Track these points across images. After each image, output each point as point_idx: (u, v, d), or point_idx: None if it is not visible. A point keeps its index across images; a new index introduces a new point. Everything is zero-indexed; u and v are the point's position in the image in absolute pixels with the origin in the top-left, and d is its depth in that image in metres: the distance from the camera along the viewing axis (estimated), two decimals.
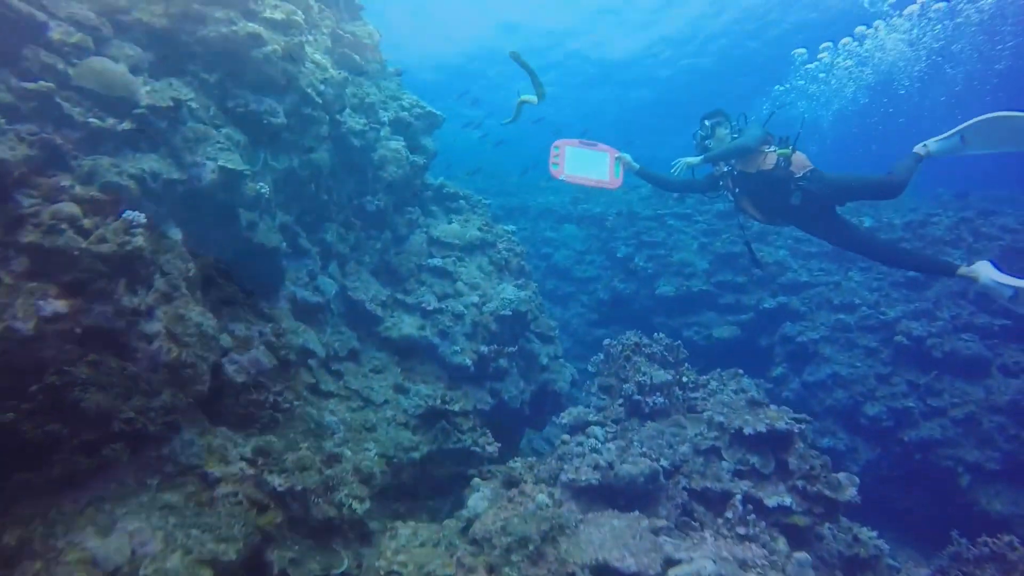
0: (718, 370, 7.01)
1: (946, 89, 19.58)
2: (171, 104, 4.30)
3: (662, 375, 6.49)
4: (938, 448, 10.39)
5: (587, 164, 5.85)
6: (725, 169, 5.74)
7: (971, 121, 5.19)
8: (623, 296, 14.53)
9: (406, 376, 6.96)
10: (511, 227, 9.36)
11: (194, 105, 4.70)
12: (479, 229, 8.68)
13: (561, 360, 8.88)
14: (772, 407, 6.19)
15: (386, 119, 8.02)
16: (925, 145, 5.36)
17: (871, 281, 12.65)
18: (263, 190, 4.88)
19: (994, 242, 12.69)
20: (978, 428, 10.36)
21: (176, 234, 4.40)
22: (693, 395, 6.56)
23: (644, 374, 6.53)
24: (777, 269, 13.38)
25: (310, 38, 6.90)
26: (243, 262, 5.40)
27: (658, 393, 6.40)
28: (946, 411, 10.65)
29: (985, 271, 4.72)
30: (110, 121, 3.88)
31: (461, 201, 9.49)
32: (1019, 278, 4.57)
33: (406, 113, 8.71)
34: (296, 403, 5.58)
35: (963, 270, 4.86)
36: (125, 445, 4.04)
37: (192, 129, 4.64)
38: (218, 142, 4.72)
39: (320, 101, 5.81)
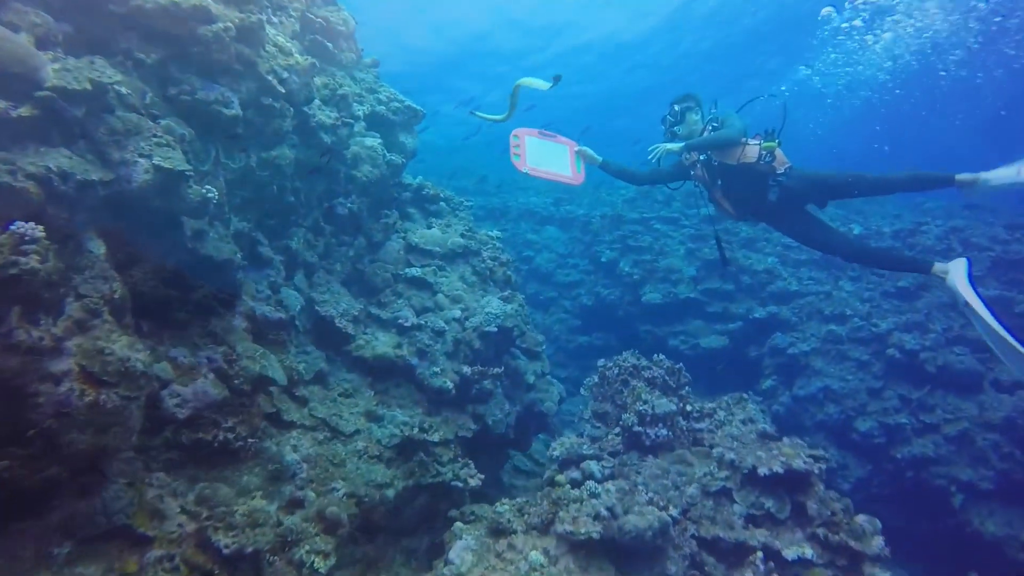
0: (726, 399, 6.33)
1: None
2: (89, 88, 3.41)
3: (665, 404, 5.76)
4: (931, 466, 9.87)
5: (549, 157, 5.42)
6: (700, 159, 5.34)
7: None
8: (607, 302, 13.83)
9: (380, 400, 6.13)
10: (495, 232, 8.54)
11: (124, 90, 3.81)
12: (462, 235, 7.86)
13: (548, 377, 8.12)
14: (785, 441, 5.51)
15: (361, 113, 7.15)
16: (974, 175, 4.58)
17: (862, 291, 12.11)
18: (211, 194, 4.00)
19: (984, 253, 12.27)
20: (971, 446, 9.87)
21: (97, 248, 3.52)
22: (698, 426, 5.85)
23: (645, 403, 5.80)
24: (767, 277, 12.79)
25: (275, 19, 6.02)
26: (190, 277, 4.53)
27: (661, 424, 5.67)
28: (939, 427, 10.14)
29: (956, 272, 4.61)
30: (0, 104, 3.00)
31: (442, 203, 8.65)
32: (978, 296, 4.49)
33: (383, 107, 7.85)
34: (251, 440, 4.74)
35: (937, 268, 4.73)
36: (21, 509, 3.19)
37: (122, 120, 3.75)
38: (155, 136, 3.84)
39: (283, 91, 4.93)
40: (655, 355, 6.69)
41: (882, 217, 14.46)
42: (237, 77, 4.63)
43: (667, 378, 6.39)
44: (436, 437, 5.85)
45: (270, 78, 4.80)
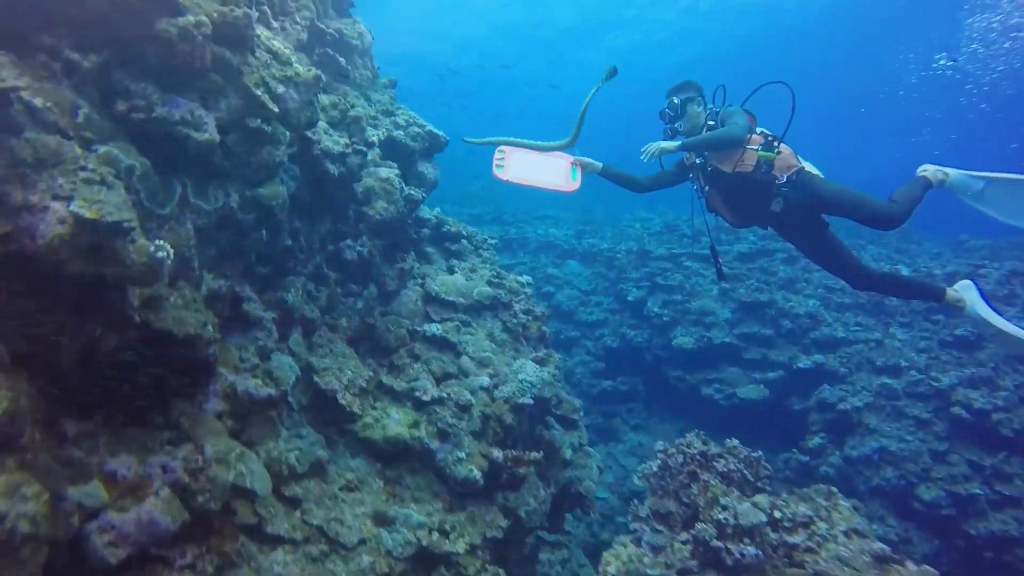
0: (812, 493, 4.97)
1: None
2: None
3: (751, 513, 4.38)
4: (1014, 548, 8.45)
5: (539, 167, 4.89)
6: (697, 161, 4.73)
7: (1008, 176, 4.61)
8: (634, 344, 12.48)
9: (391, 493, 4.77)
10: (525, 277, 7.23)
11: (39, 103, 2.55)
12: (489, 283, 6.55)
13: (587, 449, 6.75)
14: (910, 566, 4.15)
15: (376, 139, 5.90)
16: (944, 172, 4.68)
17: (917, 339, 10.72)
18: (162, 253, 2.72)
19: None
20: None
21: None
22: (793, 540, 4.48)
23: (724, 508, 4.44)
24: (809, 322, 11.42)
25: (275, 24, 4.78)
26: (142, 357, 3.24)
27: (747, 540, 4.31)
28: (1021, 502, 8.73)
29: (971, 298, 4.45)
30: None
31: (464, 241, 7.37)
32: (1004, 318, 4.31)
33: (401, 132, 6.61)
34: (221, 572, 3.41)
35: (951, 295, 4.50)
36: None
37: (32, 145, 2.49)
38: (83, 169, 2.57)
39: (277, 109, 3.66)
40: (727, 440, 5.33)
41: (930, 257, 13.14)
42: (214, 90, 3.35)
43: (745, 471, 5.02)
44: (461, 545, 4.51)
45: (260, 92, 3.53)
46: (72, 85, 2.88)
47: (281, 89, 3.75)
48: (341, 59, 6.22)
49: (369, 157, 5.44)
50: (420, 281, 6.32)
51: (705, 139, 4.52)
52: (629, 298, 12.83)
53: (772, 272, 12.48)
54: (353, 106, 5.57)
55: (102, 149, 2.83)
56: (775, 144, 4.49)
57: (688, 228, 14.51)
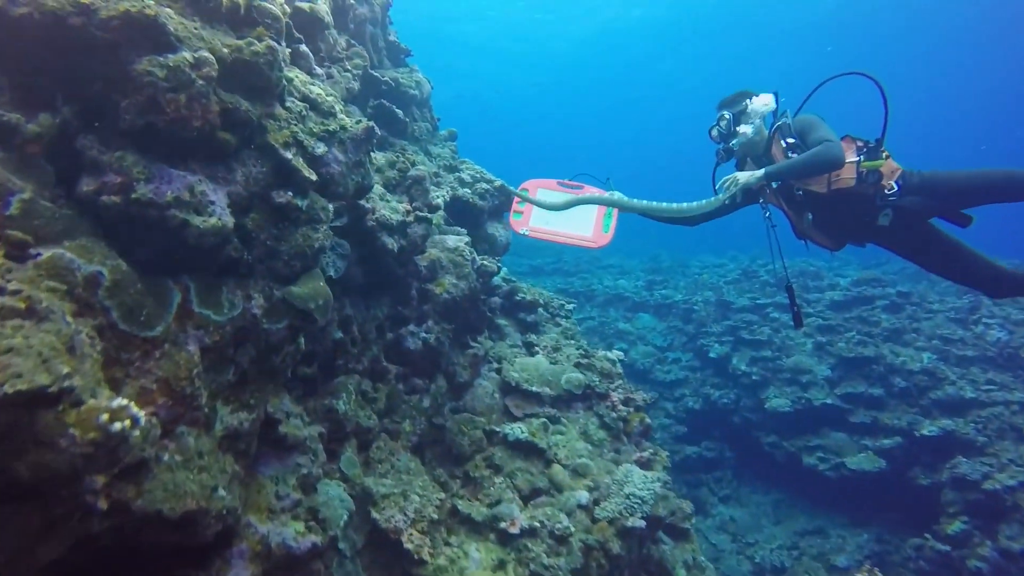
0: None
1: None
2: None
3: None
4: None
5: (564, 213, 3.98)
6: (773, 185, 3.87)
7: None
8: (720, 407, 10.93)
9: None
10: (615, 353, 5.98)
11: None
12: (578, 365, 5.32)
13: (702, 563, 5.32)
14: None
15: (440, 200, 4.85)
16: None
17: None
18: (119, 425, 1.62)
19: None
20: None
21: None
22: None
23: None
24: (928, 380, 9.67)
25: (318, 70, 3.81)
26: (123, 548, 2.14)
27: None
28: None
29: None
30: None
31: (540, 311, 6.19)
32: None
33: (467, 190, 5.56)
34: None
35: None
36: None
37: None
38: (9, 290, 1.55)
39: (315, 176, 2.60)
40: None
41: None
42: (225, 154, 2.32)
43: None
44: None
45: (291, 155, 2.47)
46: (10, 160, 1.86)
47: (321, 148, 2.70)
48: (398, 110, 5.26)
49: (433, 223, 4.37)
50: (496, 366, 5.14)
51: (798, 165, 3.60)
52: (711, 355, 11.34)
53: (874, 322, 10.82)
54: (414, 163, 4.55)
55: (46, 254, 1.79)
56: (879, 149, 3.65)
57: (768, 274, 13.01)
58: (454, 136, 6.69)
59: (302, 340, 2.89)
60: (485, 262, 4.83)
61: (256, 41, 2.30)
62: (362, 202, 3.44)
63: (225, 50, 2.21)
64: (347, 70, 4.41)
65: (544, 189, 4.00)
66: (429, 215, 4.13)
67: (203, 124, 2.13)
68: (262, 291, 2.52)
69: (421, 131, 5.74)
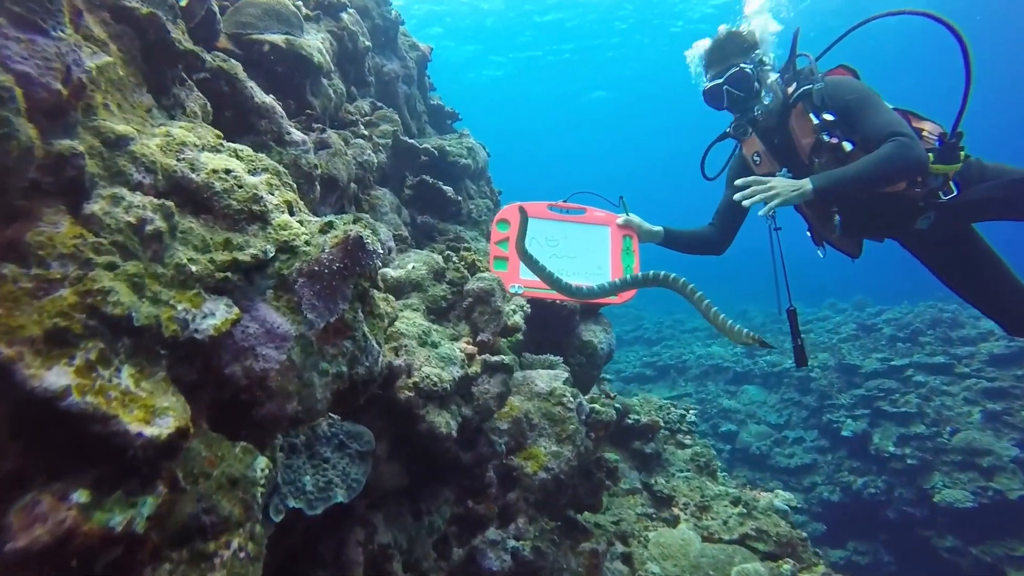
0: None
1: None
2: None
3: None
4: None
5: (565, 254, 2.82)
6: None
7: None
8: (866, 498, 8.34)
9: None
10: (785, 494, 3.84)
11: None
12: (746, 540, 3.23)
13: None
14: None
15: (520, 317, 2.94)
16: None
17: None
18: None
19: None
20: None
21: None
22: None
23: None
24: None
25: (298, 136, 2.08)
26: None
27: None
28: None
29: None
30: None
31: (662, 440, 4.15)
32: None
33: None
34: None
35: None
36: None
37: None
38: None
39: (162, 436, 0.82)
40: None
41: None
42: None
43: None
44: None
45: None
46: None
47: (215, 319, 0.88)
48: (446, 188, 3.52)
49: (510, 360, 2.46)
50: (622, 550, 3.11)
51: (864, 177, 2.44)
52: (844, 433, 8.81)
53: None
54: (474, 267, 2.72)
55: None
56: (958, 146, 2.56)
57: (891, 326, 10.44)
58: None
59: None
60: (598, 406, 2.90)
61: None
62: (374, 374, 1.59)
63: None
64: (361, 135, 2.69)
65: (531, 218, 2.65)
66: (507, 361, 2.24)
67: None
68: None
69: (480, 210, 3.98)
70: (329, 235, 1.05)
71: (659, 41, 21.27)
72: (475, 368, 2.17)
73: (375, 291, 1.26)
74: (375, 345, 1.22)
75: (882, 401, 8.74)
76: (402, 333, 1.99)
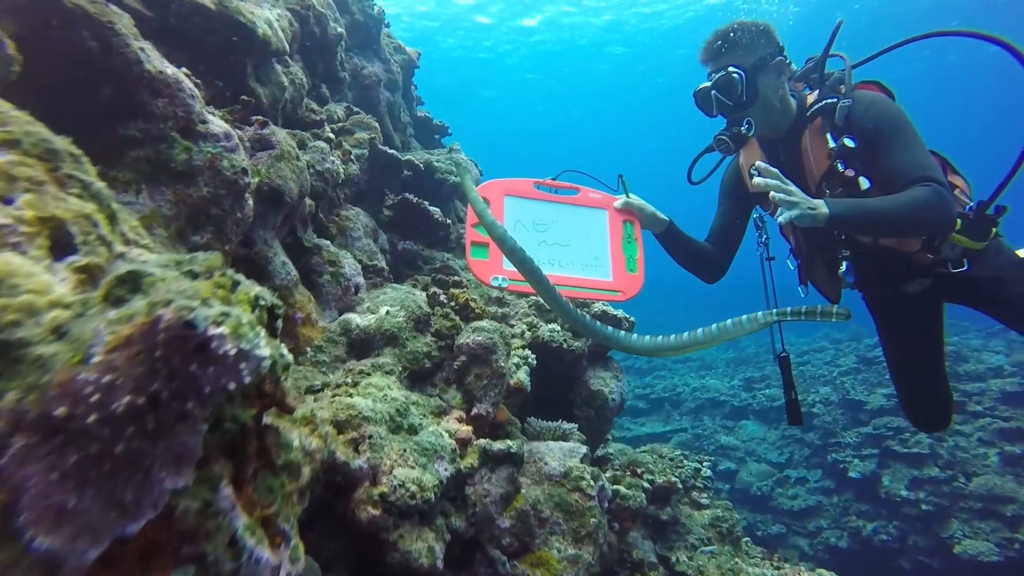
0: None
1: None
2: None
3: None
4: None
5: (556, 241, 2.16)
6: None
7: None
8: (877, 545, 7.71)
9: None
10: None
11: None
12: None
13: None
14: None
15: (525, 374, 2.29)
16: None
17: None
18: None
19: None
20: None
21: None
22: None
23: None
24: None
25: (218, 127, 1.45)
26: None
27: None
28: None
29: None
30: None
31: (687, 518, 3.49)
32: None
33: (554, 326, 3.06)
34: None
35: None
36: None
37: None
38: None
39: None
40: None
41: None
42: None
43: None
44: None
45: None
46: None
47: None
48: (433, 209, 2.88)
49: (514, 447, 1.79)
50: None
51: (884, 220, 1.93)
52: (852, 474, 8.19)
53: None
54: (467, 307, 2.07)
55: None
56: (994, 220, 2.17)
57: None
58: None
59: None
60: (623, 487, 2.22)
61: None
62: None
63: None
64: (325, 138, 2.05)
65: (514, 197, 2.12)
66: (514, 448, 1.57)
67: None
68: None
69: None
70: (119, 312, 0.41)
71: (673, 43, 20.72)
72: (470, 461, 1.51)
73: (274, 418, 0.62)
74: (265, 552, 0.56)
75: (891, 440, 8.16)
76: (365, 417, 1.33)
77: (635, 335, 1.83)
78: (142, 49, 1.17)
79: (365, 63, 3.60)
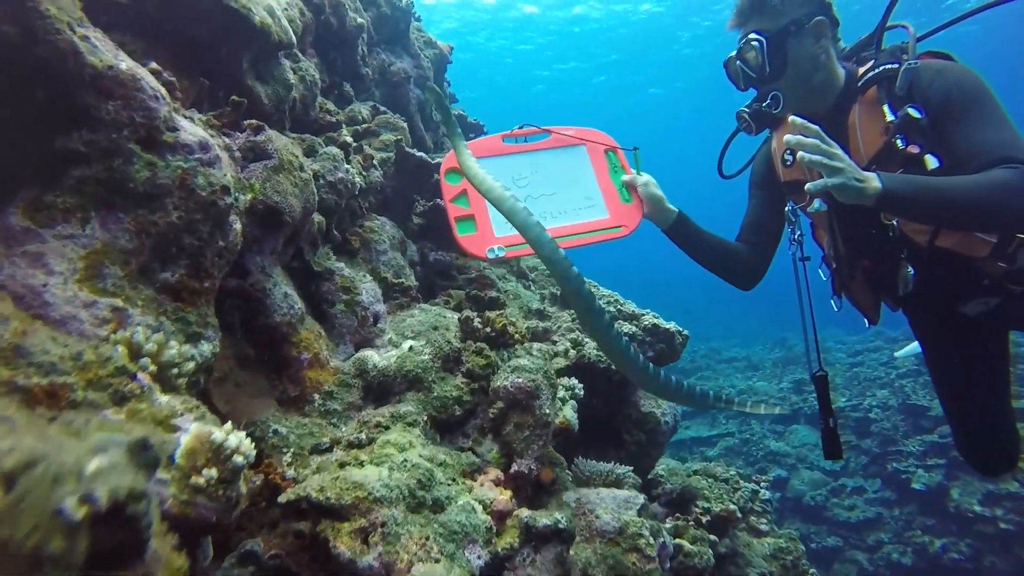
0: None
1: None
2: None
3: None
4: None
5: (540, 192, 1.89)
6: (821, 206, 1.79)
7: None
8: (946, 564, 7.09)
9: None
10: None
11: None
12: None
13: None
14: None
15: (572, 411, 1.98)
16: None
17: None
18: None
19: None
20: None
21: None
22: None
23: None
24: None
25: (191, 136, 1.17)
26: None
27: None
28: None
29: None
30: None
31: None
32: None
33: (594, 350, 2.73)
34: None
35: None
36: None
37: None
38: None
39: None
40: None
41: None
42: None
43: None
44: None
45: None
46: None
47: None
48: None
49: (563, 520, 1.47)
50: None
51: (971, 196, 1.45)
52: (915, 485, 7.56)
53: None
54: (506, 335, 1.76)
55: None
56: None
57: None
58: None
59: None
60: (687, 542, 1.87)
61: None
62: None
63: None
64: (341, 144, 1.77)
65: (486, 158, 1.87)
66: (563, 522, 1.26)
67: None
68: None
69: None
70: None
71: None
72: (509, 539, 1.20)
73: None
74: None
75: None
76: (377, 499, 1.03)
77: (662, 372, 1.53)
78: (85, 38, 0.90)
79: (393, 59, 3.32)
